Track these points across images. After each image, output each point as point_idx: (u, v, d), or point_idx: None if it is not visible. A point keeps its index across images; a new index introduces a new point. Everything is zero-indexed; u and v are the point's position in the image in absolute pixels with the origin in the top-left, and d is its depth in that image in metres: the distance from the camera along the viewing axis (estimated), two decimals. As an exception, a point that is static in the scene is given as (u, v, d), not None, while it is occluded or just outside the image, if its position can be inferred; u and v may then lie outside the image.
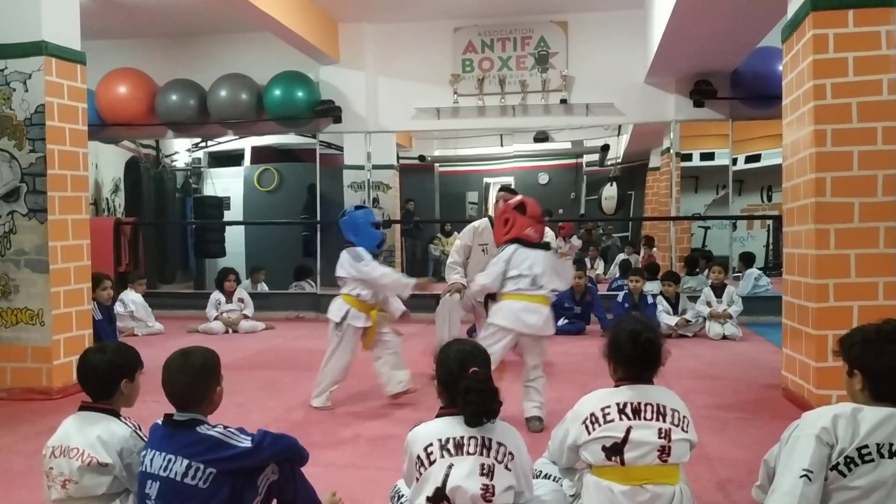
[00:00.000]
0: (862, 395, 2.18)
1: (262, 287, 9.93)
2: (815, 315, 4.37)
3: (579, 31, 9.01)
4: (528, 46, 9.07)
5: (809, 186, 4.44)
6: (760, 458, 2.39)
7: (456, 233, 13.09)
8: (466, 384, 2.27)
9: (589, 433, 2.47)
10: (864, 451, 2.07)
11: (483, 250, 6.03)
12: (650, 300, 7.59)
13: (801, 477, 2.09)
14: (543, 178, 15.26)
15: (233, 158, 12.41)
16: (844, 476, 2.08)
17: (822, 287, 4.35)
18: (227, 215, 11.75)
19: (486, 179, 15.49)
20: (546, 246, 4.43)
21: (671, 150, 9.34)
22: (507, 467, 2.28)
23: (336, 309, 4.74)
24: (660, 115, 9.02)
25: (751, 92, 8.34)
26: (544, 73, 9.01)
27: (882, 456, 2.06)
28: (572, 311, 7.82)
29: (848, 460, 2.08)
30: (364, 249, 4.74)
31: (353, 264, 4.71)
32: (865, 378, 2.16)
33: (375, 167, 9.89)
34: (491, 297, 4.64)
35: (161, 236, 10.79)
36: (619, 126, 11.63)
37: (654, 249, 11.06)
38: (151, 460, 2.31)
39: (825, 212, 4.35)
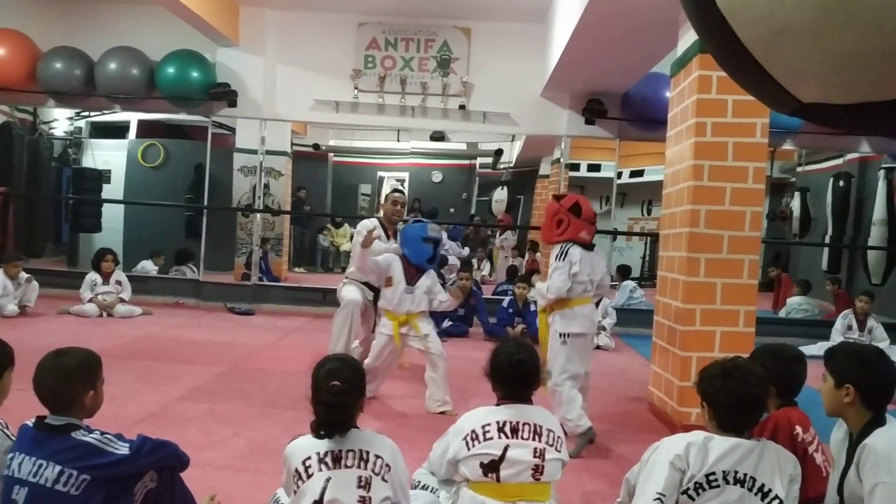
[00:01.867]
0: (710, 424, 2.40)
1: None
2: (682, 337, 4.67)
3: (482, 40, 9.14)
4: (431, 49, 9.13)
5: (685, 217, 4.74)
6: (625, 471, 2.56)
7: (347, 225, 13.07)
8: (320, 396, 2.32)
9: (469, 449, 2.59)
10: (711, 478, 2.27)
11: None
12: (533, 307, 7.83)
13: (655, 500, 2.27)
14: (437, 177, 15.45)
15: (117, 130, 11.77)
16: (693, 500, 2.27)
17: (690, 311, 4.66)
18: (107, 190, 11.09)
19: (380, 173, 15.52)
20: (592, 247, 4.38)
21: (561, 161, 9.66)
22: (383, 479, 2.33)
23: None
24: (552, 129, 9.27)
25: (638, 114, 8.70)
26: (445, 78, 9.10)
27: (727, 482, 2.27)
28: (456, 312, 7.94)
29: (697, 485, 2.27)
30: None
31: None
32: (710, 410, 2.38)
33: (268, 152, 9.68)
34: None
35: (33, 207, 10.16)
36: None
37: (538, 255, 11.34)
38: (20, 465, 2.21)
39: (697, 242, 4.65)
